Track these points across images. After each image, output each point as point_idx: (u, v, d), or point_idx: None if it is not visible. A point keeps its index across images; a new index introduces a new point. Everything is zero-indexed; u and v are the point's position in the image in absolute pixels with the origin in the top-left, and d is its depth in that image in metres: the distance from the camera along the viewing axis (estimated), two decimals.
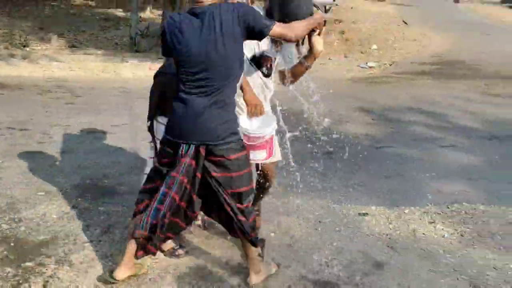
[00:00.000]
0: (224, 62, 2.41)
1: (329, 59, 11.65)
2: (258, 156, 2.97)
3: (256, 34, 2.43)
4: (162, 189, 2.56)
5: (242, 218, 2.58)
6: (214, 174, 2.53)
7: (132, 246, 2.64)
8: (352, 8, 21.56)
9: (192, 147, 2.50)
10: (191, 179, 2.55)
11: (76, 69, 8.74)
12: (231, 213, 2.57)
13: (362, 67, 11.19)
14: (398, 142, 5.91)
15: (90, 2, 17.50)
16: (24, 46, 10.65)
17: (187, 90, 2.47)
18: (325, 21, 2.64)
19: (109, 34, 13.21)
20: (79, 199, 3.69)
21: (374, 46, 13.40)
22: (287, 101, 2.90)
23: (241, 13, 2.39)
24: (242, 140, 2.62)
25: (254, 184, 2.78)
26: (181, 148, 2.52)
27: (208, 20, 2.39)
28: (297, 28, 2.51)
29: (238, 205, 2.58)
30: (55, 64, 8.70)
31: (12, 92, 6.83)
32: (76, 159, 4.59)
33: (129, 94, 7.18)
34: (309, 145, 5.64)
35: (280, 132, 2.98)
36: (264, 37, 2.46)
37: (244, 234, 2.61)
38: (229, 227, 2.67)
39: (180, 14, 2.51)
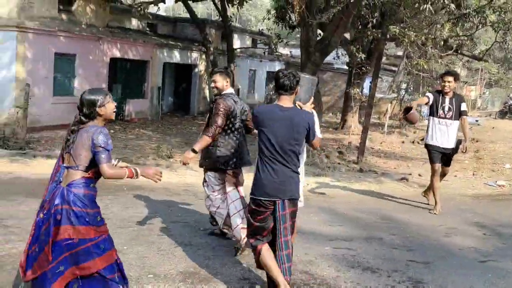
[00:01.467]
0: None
1: (455, 176, 11.44)
2: None
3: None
4: (282, 239, 4.00)
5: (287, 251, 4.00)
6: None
7: None
8: (493, 128, 20.96)
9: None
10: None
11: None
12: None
13: (489, 185, 10.79)
14: (506, 257, 5.66)
15: None
16: (169, 157, 12.11)
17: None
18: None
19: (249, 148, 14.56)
20: (181, 283, 4.35)
21: (508, 165, 12.87)
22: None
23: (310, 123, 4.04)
24: None
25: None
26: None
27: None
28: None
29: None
30: (189, 172, 9.84)
31: (145, 193, 7.90)
32: (186, 251, 5.24)
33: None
34: (407, 251, 5.70)
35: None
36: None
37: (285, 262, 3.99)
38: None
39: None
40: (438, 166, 7.66)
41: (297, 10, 10.27)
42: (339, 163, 12.30)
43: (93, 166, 3.53)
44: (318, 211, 7.50)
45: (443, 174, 7.87)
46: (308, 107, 4.44)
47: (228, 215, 5.28)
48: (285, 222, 3.98)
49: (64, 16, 15.04)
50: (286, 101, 4.04)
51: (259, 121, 4.02)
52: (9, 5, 13.60)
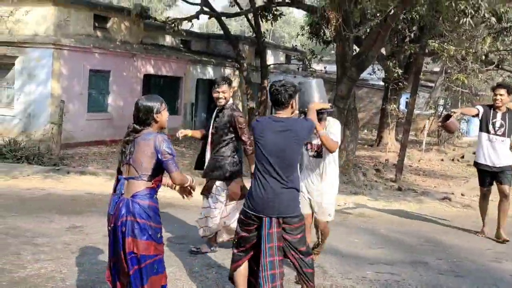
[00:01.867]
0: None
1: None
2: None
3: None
4: (268, 259, 3.69)
5: (307, 270, 3.89)
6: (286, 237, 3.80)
7: None
8: None
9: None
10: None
11: None
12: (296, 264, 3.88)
13: None
14: None
15: None
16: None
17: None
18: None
19: None
20: None
21: None
22: None
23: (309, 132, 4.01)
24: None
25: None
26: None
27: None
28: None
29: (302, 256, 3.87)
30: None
31: (176, 210, 7.69)
32: (220, 273, 5.03)
33: None
34: (454, 277, 5.30)
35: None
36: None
37: (308, 282, 3.94)
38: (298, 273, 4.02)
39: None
40: (486, 189, 7.16)
41: (334, 23, 10.00)
42: (376, 181, 11.88)
43: (156, 175, 3.50)
44: (357, 232, 7.14)
45: (503, 195, 6.98)
46: (318, 106, 4.42)
47: (224, 226, 5.51)
48: (271, 242, 3.71)
49: (99, 33, 15.18)
50: (282, 113, 3.93)
51: (255, 132, 3.91)
52: (46, 23, 13.80)
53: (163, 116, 3.57)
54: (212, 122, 5.53)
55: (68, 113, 13.32)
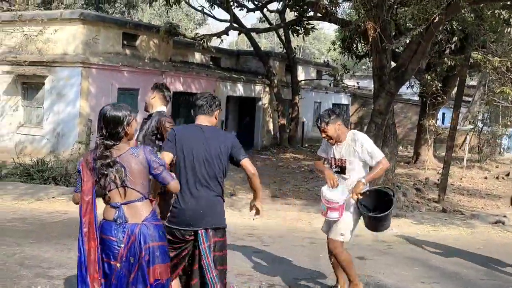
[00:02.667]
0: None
1: None
2: (332, 215, 4.55)
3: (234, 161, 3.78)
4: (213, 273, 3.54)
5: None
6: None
7: None
8: None
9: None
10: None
11: (271, 218, 8.98)
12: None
13: None
14: None
15: (298, 156, 18.62)
16: (232, 195, 11.41)
17: None
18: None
19: (311, 185, 13.59)
20: None
21: None
22: None
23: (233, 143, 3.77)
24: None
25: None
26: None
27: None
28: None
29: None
30: (254, 213, 9.08)
31: None
32: None
33: (317, 246, 6.95)
34: None
35: None
36: (238, 165, 3.78)
37: None
38: None
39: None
40: None
41: (371, 34, 9.40)
42: (418, 202, 11.10)
43: (149, 190, 3.25)
44: (405, 263, 6.42)
45: None
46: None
47: None
48: (210, 254, 3.54)
49: (127, 51, 14.96)
50: (204, 121, 3.76)
51: (177, 141, 3.62)
52: (75, 42, 13.64)
53: (133, 127, 3.15)
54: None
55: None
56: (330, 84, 22.20)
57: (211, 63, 20.55)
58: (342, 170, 4.64)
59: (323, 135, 4.62)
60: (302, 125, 22.11)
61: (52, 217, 7.96)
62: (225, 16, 16.65)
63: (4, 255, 5.72)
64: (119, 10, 28.01)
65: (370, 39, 9.75)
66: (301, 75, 22.53)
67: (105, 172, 3.07)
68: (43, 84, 13.98)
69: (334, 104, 26.62)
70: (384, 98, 10.70)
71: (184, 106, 17.29)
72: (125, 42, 14.86)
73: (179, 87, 16.72)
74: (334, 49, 19.24)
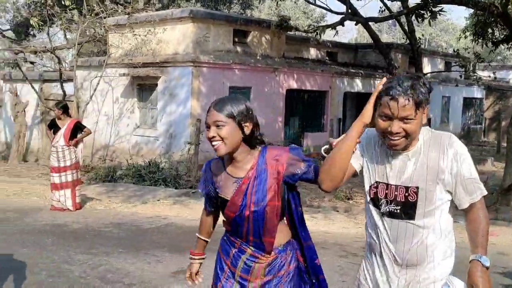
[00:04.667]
0: None
1: None
2: None
3: None
4: None
5: None
6: None
7: None
8: None
9: None
10: None
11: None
12: None
13: None
14: None
15: None
16: (348, 199, 10.36)
17: None
18: None
19: None
20: None
21: None
22: None
23: None
24: None
25: None
26: None
27: None
28: None
29: None
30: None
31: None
32: None
33: None
34: None
35: None
36: None
37: None
38: None
39: None
40: None
41: None
42: None
43: None
44: None
45: None
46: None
47: None
48: None
49: (238, 49, 14.48)
50: None
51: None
52: (185, 41, 13.44)
53: None
54: None
55: None
56: (460, 76, 20.04)
57: (327, 58, 19.49)
58: (404, 210, 2.19)
59: (395, 128, 2.09)
60: (428, 122, 20.17)
61: (150, 223, 7.52)
62: (342, 10, 15.48)
63: (89, 266, 5.28)
64: (237, 11, 28.01)
65: None
66: (426, 67, 20.62)
67: None
68: (157, 85, 13.98)
69: (465, 98, 24.14)
70: None
71: (298, 104, 16.47)
72: (236, 39, 14.40)
73: (292, 84, 15.92)
74: (465, 37, 17.20)
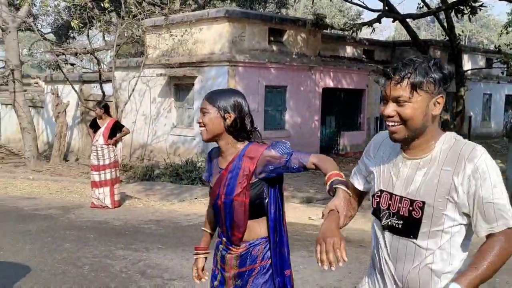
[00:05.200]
0: None
1: None
2: None
3: None
4: None
5: None
6: None
7: None
8: None
9: None
10: None
11: None
12: None
13: None
14: None
15: None
16: None
17: None
18: None
19: None
20: None
21: None
22: None
23: None
24: None
25: None
26: None
27: None
28: None
29: None
30: None
31: (353, 248, 6.17)
32: None
33: None
34: None
35: None
36: None
37: None
38: None
39: None
40: None
41: None
42: None
43: None
44: None
45: None
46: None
47: None
48: None
49: (274, 47, 14.47)
50: None
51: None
52: (221, 40, 13.51)
53: None
54: None
55: None
56: (502, 73, 19.48)
57: (363, 56, 19.25)
58: (407, 226, 1.89)
59: (388, 110, 1.85)
60: (468, 121, 19.69)
61: (188, 220, 7.60)
62: (379, 7, 15.26)
63: (129, 261, 5.38)
64: (273, 10, 28.00)
65: None
66: (467, 64, 20.12)
67: None
68: (193, 84, 14.11)
69: (508, 96, 23.45)
70: None
71: (334, 103, 16.34)
72: (271, 38, 14.39)
73: (329, 82, 15.80)
74: (507, 33, 16.73)
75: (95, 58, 15.81)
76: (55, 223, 7.32)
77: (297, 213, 8.07)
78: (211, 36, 13.67)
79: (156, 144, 15.13)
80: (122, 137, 8.63)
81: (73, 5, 14.12)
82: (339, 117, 16.61)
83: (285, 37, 14.76)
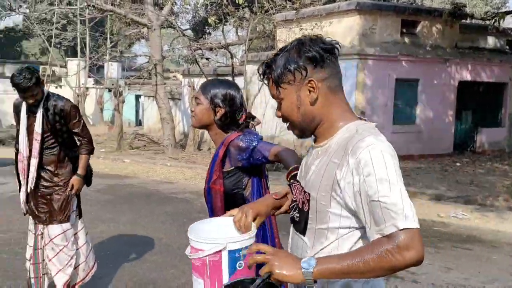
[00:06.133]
0: None
1: None
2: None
3: None
4: None
5: None
6: None
7: None
8: None
9: None
10: None
11: None
12: None
13: None
14: None
15: None
16: None
17: None
18: None
19: None
20: None
21: None
22: None
23: None
24: None
25: None
26: None
27: None
28: None
29: None
30: None
31: (480, 248, 5.84)
32: None
33: None
34: None
35: None
36: None
37: None
38: None
39: None
40: None
41: None
42: None
43: None
44: None
45: None
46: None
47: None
48: None
49: (406, 39, 13.99)
50: None
51: None
52: (351, 33, 13.39)
53: None
54: None
55: None
56: None
57: (507, 47, 17.81)
58: (300, 220, 1.69)
59: (277, 113, 1.75)
60: None
61: None
62: None
63: None
64: (406, 1, 27.01)
65: None
66: None
67: None
68: None
69: None
70: None
71: (472, 97, 15.36)
72: (404, 30, 13.93)
73: (466, 75, 14.90)
74: None
75: (229, 52, 16.55)
76: (191, 206, 7.90)
77: (424, 209, 7.90)
78: (341, 29, 13.60)
79: (283, 135, 15.44)
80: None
81: (210, 2, 14.92)
82: (477, 113, 15.59)
83: (418, 28, 14.21)
